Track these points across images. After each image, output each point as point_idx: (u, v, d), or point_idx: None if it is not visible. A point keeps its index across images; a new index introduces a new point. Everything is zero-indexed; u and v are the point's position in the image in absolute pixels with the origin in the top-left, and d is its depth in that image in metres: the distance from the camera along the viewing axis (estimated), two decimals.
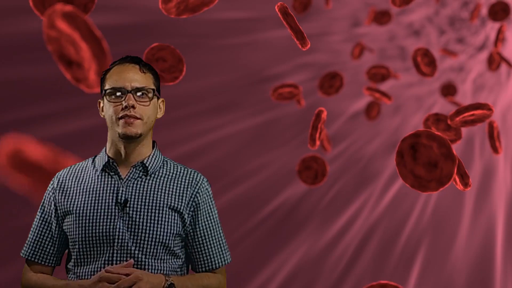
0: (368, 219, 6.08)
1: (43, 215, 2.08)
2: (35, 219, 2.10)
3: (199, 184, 2.08)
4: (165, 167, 2.08)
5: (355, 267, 5.94)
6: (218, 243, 2.09)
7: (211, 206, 2.10)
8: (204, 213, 2.07)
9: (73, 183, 2.07)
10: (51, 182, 2.09)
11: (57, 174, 2.11)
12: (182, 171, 2.10)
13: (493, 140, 3.83)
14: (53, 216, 2.06)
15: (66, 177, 2.09)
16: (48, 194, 2.09)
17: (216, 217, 2.11)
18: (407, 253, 6.04)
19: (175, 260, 2.03)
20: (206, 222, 2.07)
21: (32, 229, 2.10)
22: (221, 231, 2.12)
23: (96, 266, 1.97)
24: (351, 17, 6.30)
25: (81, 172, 2.09)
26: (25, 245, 2.10)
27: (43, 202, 2.10)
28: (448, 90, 5.50)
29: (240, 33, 5.40)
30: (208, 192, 2.10)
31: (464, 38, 6.56)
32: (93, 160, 2.10)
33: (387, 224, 6.04)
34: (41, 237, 2.07)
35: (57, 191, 2.07)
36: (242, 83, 5.74)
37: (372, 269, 5.93)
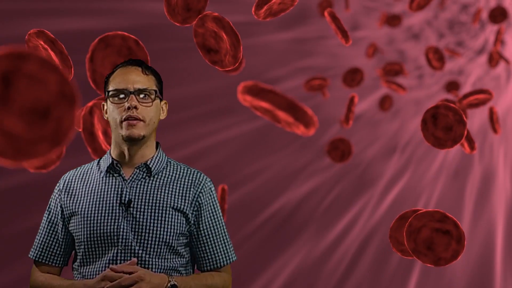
0: (366, 224, 6.06)
1: (49, 217, 2.12)
2: (42, 221, 2.14)
3: (202, 184, 2.10)
4: (168, 168, 2.11)
5: (354, 272, 5.91)
6: (222, 241, 2.11)
7: (215, 205, 2.11)
8: (207, 213, 2.09)
9: (78, 184, 2.11)
10: (57, 184, 2.14)
11: (63, 176, 2.16)
12: (185, 171, 2.12)
13: (493, 122, 4.46)
14: (59, 217, 2.10)
15: (72, 179, 2.13)
16: (55, 196, 2.13)
17: (219, 216, 2.12)
18: (406, 258, 6.02)
19: (179, 259, 2.05)
20: (210, 221, 2.09)
21: (39, 230, 2.14)
22: (225, 230, 2.13)
23: (100, 265, 2.00)
24: (350, 20, 6.29)
25: (87, 174, 2.13)
26: (33, 246, 2.14)
27: (50, 204, 2.14)
28: (452, 86, 5.95)
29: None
30: (212, 191, 2.12)
31: (463, 42, 6.55)
32: (98, 162, 2.14)
33: (386, 229, 6.02)
34: (48, 238, 2.11)
35: (63, 193, 2.11)
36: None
37: (371, 275, 5.91)
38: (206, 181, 2.12)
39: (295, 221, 5.89)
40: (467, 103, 3.90)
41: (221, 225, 2.11)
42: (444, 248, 2.09)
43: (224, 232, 2.12)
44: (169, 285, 1.93)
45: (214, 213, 2.10)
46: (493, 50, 5.52)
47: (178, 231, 2.02)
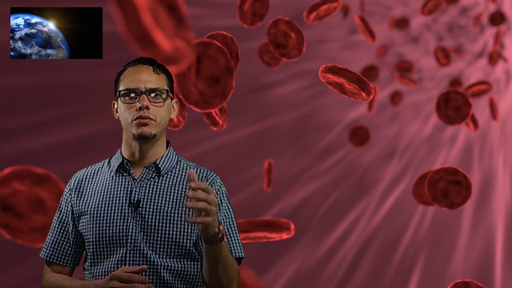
0: (365, 230, 6.04)
1: (60, 216, 2.12)
2: (53, 220, 2.14)
3: (209, 181, 2.09)
4: (178, 167, 2.10)
5: (353, 278, 5.90)
6: (228, 234, 2.06)
7: (222, 200, 2.08)
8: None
9: (88, 184, 2.10)
10: (68, 183, 2.13)
11: (74, 175, 2.15)
12: (194, 170, 2.08)
13: (492, 111, 5.04)
14: (70, 217, 2.09)
15: (82, 178, 2.13)
16: (65, 195, 2.12)
17: (228, 211, 2.08)
18: (405, 264, 6.00)
19: (189, 262, 2.03)
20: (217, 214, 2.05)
21: (50, 230, 2.14)
22: (233, 224, 2.08)
23: (109, 265, 1.99)
24: (348, 24, 6.28)
25: (97, 173, 2.12)
26: (44, 246, 2.13)
27: (61, 204, 2.13)
28: (455, 83, 6.35)
29: (237, 40, 5.38)
30: (221, 188, 2.10)
31: (462, 45, 6.54)
32: (109, 161, 2.13)
33: (384, 234, 6.01)
34: (59, 238, 2.11)
35: (73, 192, 2.10)
36: (239, 91, 5.71)
37: (369, 281, 5.89)
38: (215, 179, 2.10)
39: (294, 225, 5.87)
40: (471, 93, 4.57)
41: (228, 218, 2.07)
42: (456, 195, 2.70)
43: (231, 226, 2.07)
44: (220, 234, 1.85)
45: (221, 206, 2.06)
46: (493, 49, 5.79)
47: (188, 230, 2.00)
